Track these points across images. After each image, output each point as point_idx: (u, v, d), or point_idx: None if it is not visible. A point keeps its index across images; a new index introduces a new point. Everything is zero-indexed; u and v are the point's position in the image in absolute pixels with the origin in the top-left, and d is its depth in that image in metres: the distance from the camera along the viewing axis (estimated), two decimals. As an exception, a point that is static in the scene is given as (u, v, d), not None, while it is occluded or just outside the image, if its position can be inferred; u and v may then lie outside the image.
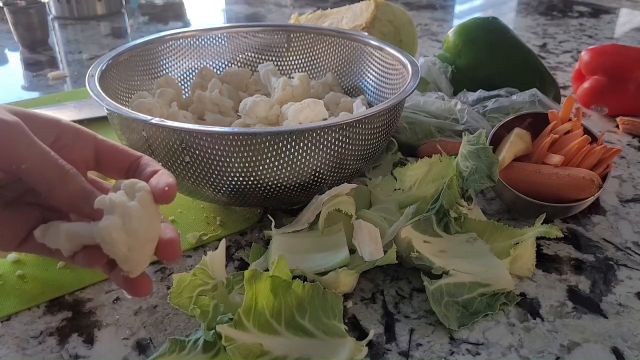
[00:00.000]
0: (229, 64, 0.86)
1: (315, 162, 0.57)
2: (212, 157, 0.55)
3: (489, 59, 0.92)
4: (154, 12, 1.70)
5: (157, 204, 0.37)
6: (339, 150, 0.58)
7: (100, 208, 0.35)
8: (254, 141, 0.54)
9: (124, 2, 1.69)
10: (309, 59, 0.86)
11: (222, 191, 0.59)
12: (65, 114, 0.88)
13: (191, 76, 0.83)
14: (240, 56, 0.86)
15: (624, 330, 0.51)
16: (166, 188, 0.36)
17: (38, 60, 1.25)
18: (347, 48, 0.83)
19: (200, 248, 0.62)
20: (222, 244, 0.50)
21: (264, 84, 0.81)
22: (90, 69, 0.65)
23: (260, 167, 0.55)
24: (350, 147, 0.58)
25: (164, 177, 0.37)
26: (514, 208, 0.68)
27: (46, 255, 0.38)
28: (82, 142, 0.38)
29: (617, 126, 0.92)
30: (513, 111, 0.80)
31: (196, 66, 0.83)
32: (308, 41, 0.85)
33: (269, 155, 0.55)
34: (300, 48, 0.86)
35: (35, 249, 0.38)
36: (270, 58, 0.86)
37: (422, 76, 0.92)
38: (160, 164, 0.41)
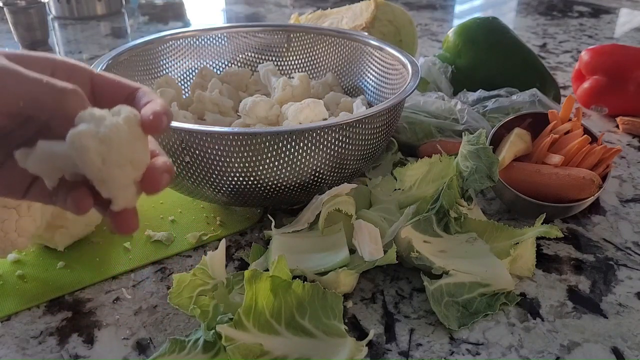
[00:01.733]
0: (229, 64, 0.86)
1: (315, 162, 0.57)
2: (212, 157, 0.55)
3: (489, 59, 0.92)
4: (154, 12, 1.70)
5: (145, 133, 0.34)
6: (339, 150, 0.58)
7: (80, 121, 0.32)
8: (254, 141, 0.54)
9: (124, 2, 1.69)
10: (309, 59, 0.86)
11: (222, 191, 0.59)
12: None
13: (191, 76, 0.83)
14: (240, 56, 0.86)
15: (624, 330, 0.51)
16: (151, 117, 0.34)
17: (38, 60, 1.25)
18: (347, 48, 0.83)
19: (200, 248, 0.62)
20: (222, 244, 0.50)
21: (264, 84, 0.81)
22: (90, 68, 0.65)
23: (260, 167, 0.55)
24: (350, 147, 0.58)
25: (152, 105, 0.35)
26: (514, 208, 0.68)
27: (49, 202, 0.37)
28: (78, 77, 0.37)
29: (617, 126, 0.92)
30: (513, 111, 0.80)
31: (196, 66, 0.83)
32: (308, 41, 0.85)
33: (269, 155, 0.55)
34: (300, 48, 0.86)
35: (40, 196, 0.37)
36: (270, 58, 0.86)
37: (422, 76, 0.92)
38: (158, 94, 0.38)
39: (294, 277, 0.48)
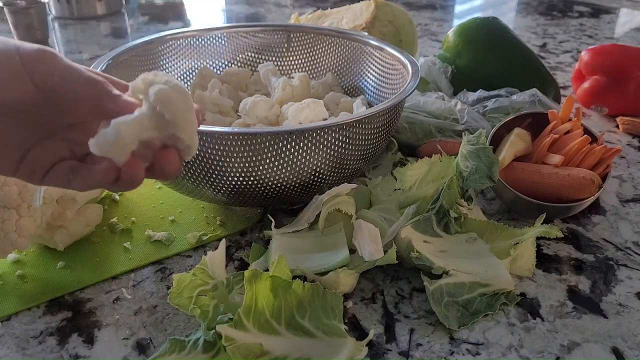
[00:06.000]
0: (229, 64, 0.86)
1: (315, 162, 0.57)
2: (212, 157, 0.55)
3: (489, 59, 0.92)
4: (154, 12, 1.70)
5: None
6: (339, 150, 0.58)
7: (137, 92, 0.37)
8: (254, 141, 0.54)
9: (124, 2, 1.69)
10: (309, 59, 0.86)
11: (222, 191, 0.59)
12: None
13: (191, 76, 0.83)
14: (240, 56, 0.86)
15: (624, 330, 0.51)
16: None
17: (38, 60, 1.25)
18: (347, 48, 0.83)
19: (200, 248, 0.62)
20: (222, 244, 0.50)
21: (264, 84, 0.81)
22: (91, 68, 0.65)
23: (260, 167, 0.55)
24: (350, 147, 0.58)
25: None
26: (514, 208, 0.68)
27: (65, 185, 0.40)
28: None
29: (617, 126, 0.92)
30: (513, 111, 0.80)
31: (196, 66, 0.83)
32: (308, 41, 0.85)
33: (269, 155, 0.55)
34: (300, 48, 0.86)
35: (58, 180, 0.39)
36: (270, 58, 0.86)
37: (422, 76, 0.92)
38: None
39: (294, 277, 0.48)
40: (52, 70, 0.37)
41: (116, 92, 0.38)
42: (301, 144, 0.55)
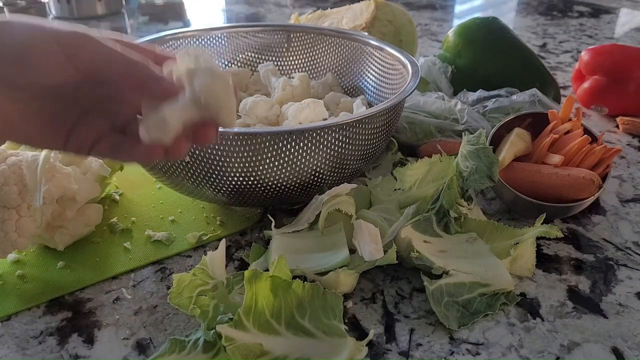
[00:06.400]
0: (229, 64, 0.86)
1: (315, 162, 0.57)
2: (212, 157, 0.55)
3: (489, 59, 0.92)
4: (154, 12, 1.70)
5: None
6: (339, 150, 0.58)
7: (181, 78, 0.39)
8: (254, 141, 0.54)
9: (124, 2, 1.69)
10: (309, 59, 0.86)
11: (222, 191, 0.59)
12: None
13: (191, 76, 0.83)
14: (240, 56, 0.86)
15: (624, 330, 0.51)
16: None
17: (38, 60, 1.25)
18: (347, 48, 0.83)
19: (200, 248, 0.62)
20: (222, 244, 0.50)
21: (264, 84, 0.81)
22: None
23: (260, 167, 0.55)
24: (350, 147, 0.58)
25: None
26: (514, 208, 0.68)
27: (111, 156, 0.42)
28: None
29: (617, 126, 0.92)
30: (513, 111, 0.80)
31: (196, 66, 0.83)
32: (308, 41, 0.85)
33: (269, 155, 0.55)
34: (300, 48, 0.86)
35: (104, 155, 0.42)
36: (270, 58, 0.86)
37: (422, 76, 0.92)
38: None
39: (294, 277, 0.48)
40: (92, 54, 0.37)
41: (157, 74, 0.39)
42: (301, 144, 0.55)
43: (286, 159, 0.55)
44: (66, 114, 0.41)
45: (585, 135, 0.67)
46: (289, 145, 0.54)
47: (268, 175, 0.56)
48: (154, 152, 0.40)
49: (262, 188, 0.58)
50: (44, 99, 0.39)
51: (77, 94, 0.41)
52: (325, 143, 0.56)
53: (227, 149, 0.54)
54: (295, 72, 0.86)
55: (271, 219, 0.59)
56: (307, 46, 0.85)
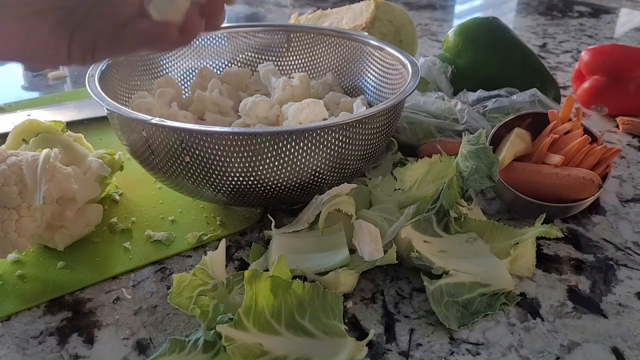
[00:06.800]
0: (229, 64, 0.86)
1: (315, 162, 0.57)
2: (212, 157, 0.55)
3: (489, 59, 0.92)
4: (154, 12, 1.70)
5: None
6: (339, 150, 0.58)
7: None
8: (254, 141, 0.54)
9: (124, 2, 1.69)
10: (309, 59, 0.86)
11: (222, 191, 0.59)
12: (65, 114, 0.88)
13: (191, 76, 0.83)
14: (240, 56, 0.86)
15: (624, 330, 0.51)
16: None
17: (38, 60, 1.25)
18: (347, 48, 0.83)
19: (200, 248, 0.62)
20: (222, 244, 0.50)
21: (264, 84, 0.81)
22: (90, 69, 0.65)
23: (260, 167, 0.55)
24: (350, 147, 0.58)
25: None
26: (514, 208, 0.68)
27: (121, 51, 0.42)
28: None
29: (617, 126, 0.92)
30: (513, 111, 0.80)
31: (196, 66, 0.83)
32: (308, 41, 0.85)
33: (269, 155, 0.55)
34: (300, 48, 0.86)
35: (108, 49, 0.41)
36: (270, 58, 0.86)
37: (422, 76, 0.92)
38: None
39: (294, 277, 0.48)
40: None
41: None
42: (301, 144, 0.55)
43: (286, 159, 0.55)
44: (65, 23, 0.40)
45: (585, 135, 0.67)
46: (289, 145, 0.54)
47: (268, 175, 0.56)
48: (169, 32, 0.39)
49: (262, 188, 0.58)
50: (43, 11, 0.38)
51: (70, 8, 0.40)
52: (325, 143, 0.56)
53: (227, 149, 0.54)
54: (295, 72, 0.86)
55: (271, 219, 0.59)
56: (307, 46, 0.85)
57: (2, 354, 0.48)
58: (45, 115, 0.80)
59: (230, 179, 0.57)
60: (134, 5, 0.41)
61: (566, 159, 0.65)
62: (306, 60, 0.86)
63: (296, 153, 0.55)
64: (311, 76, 0.86)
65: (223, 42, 0.85)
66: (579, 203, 0.63)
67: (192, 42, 0.82)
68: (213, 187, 0.58)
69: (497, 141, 0.70)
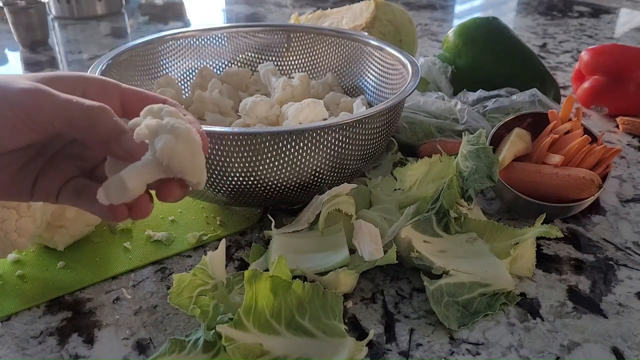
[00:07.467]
0: (229, 64, 0.86)
1: (315, 162, 0.57)
2: (212, 157, 0.55)
3: (489, 59, 0.92)
4: (154, 12, 1.70)
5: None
6: (339, 150, 0.58)
7: (142, 139, 0.36)
8: (254, 141, 0.54)
9: (124, 2, 1.69)
10: (309, 59, 0.86)
11: (222, 191, 0.59)
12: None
13: (191, 76, 0.83)
14: (240, 56, 0.86)
15: (624, 330, 0.51)
16: (201, 132, 0.39)
17: (38, 60, 1.25)
18: (347, 48, 0.83)
19: (200, 248, 0.62)
20: (222, 244, 0.50)
21: (264, 84, 0.81)
22: (90, 69, 0.65)
23: (260, 167, 0.55)
24: (350, 147, 0.58)
25: (195, 125, 0.40)
26: (514, 208, 0.68)
27: (77, 207, 0.40)
28: (108, 93, 0.40)
29: (617, 126, 0.92)
30: (513, 111, 0.80)
31: (196, 66, 0.83)
32: (308, 41, 0.85)
33: (269, 155, 0.55)
34: (300, 48, 0.86)
35: (69, 202, 0.40)
36: (270, 58, 0.86)
37: (422, 76, 0.92)
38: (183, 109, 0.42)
39: (294, 277, 0.48)
40: (49, 115, 0.35)
41: (120, 130, 0.36)
42: (301, 144, 0.55)
43: (286, 159, 0.55)
44: (29, 167, 0.39)
45: (585, 135, 0.67)
46: (289, 145, 0.54)
47: (268, 175, 0.56)
48: (118, 212, 0.37)
49: (262, 188, 0.58)
50: (6, 159, 0.37)
51: (40, 148, 0.39)
52: (325, 143, 0.56)
53: (227, 149, 0.54)
54: (295, 72, 0.86)
55: (271, 219, 0.59)
56: (307, 46, 0.85)
57: (2, 354, 0.48)
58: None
59: (230, 179, 0.57)
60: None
61: (566, 159, 0.65)
62: (306, 60, 0.86)
63: (296, 153, 0.55)
64: (311, 76, 0.86)
65: (223, 42, 0.85)
66: (579, 203, 0.63)
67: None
68: (213, 187, 0.58)
69: (497, 141, 0.70)
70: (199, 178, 0.38)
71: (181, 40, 0.81)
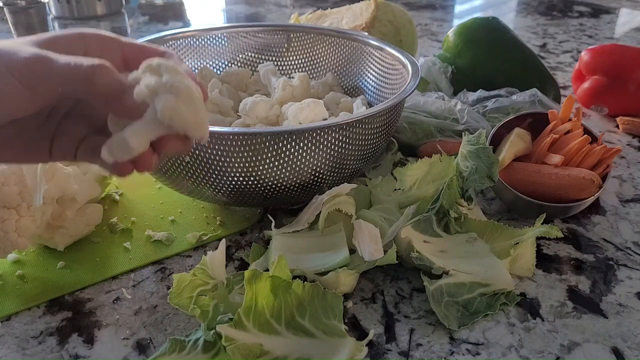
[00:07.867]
0: (229, 64, 0.86)
1: (315, 162, 0.57)
2: (212, 157, 0.55)
3: (489, 59, 0.92)
4: (154, 12, 1.70)
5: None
6: (339, 150, 0.58)
7: (142, 98, 0.35)
8: (254, 141, 0.54)
9: (124, 2, 1.69)
10: (309, 59, 0.86)
11: (222, 191, 0.59)
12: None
13: (191, 76, 0.83)
14: (240, 56, 0.86)
15: (624, 330, 0.51)
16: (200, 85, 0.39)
17: (38, 60, 1.25)
18: (347, 48, 0.83)
19: (200, 248, 0.62)
20: (222, 244, 0.50)
21: (264, 84, 0.81)
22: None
23: (260, 167, 0.55)
24: (350, 147, 0.58)
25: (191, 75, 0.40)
26: (514, 208, 0.68)
27: (96, 162, 0.41)
28: (109, 49, 0.41)
29: (617, 126, 0.92)
30: (513, 111, 0.80)
31: (196, 66, 0.83)
32: (308, 41, 0.85)
33: (269, 155, 0.55)
34: (300, 48, 0.86)
35: (87, 159, 0.41)
36: (270, 58, 0.86)
37: (422, 76, 0.92)
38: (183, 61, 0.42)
39: (294, 277, 0.48)
40: (52, 81, 0.35)
41: (122, 88, 0.36)
42: (301, 144, 0.55)
43: (286, 159, 0.55)
44: (44, 129, 0.40)
45: (585, 135, 0.67)
46: (289, 145, 0.54)
47: (268, 175, 0.56)
48: (122, 168, 0.38)
49: (262, 188, 0.58)
50: (18, 125, 0.38)
51: (50, 111, 0.40)
52: (325, 143, 0.56)
53: (227, 149, 0.54)
54: (295, 72, 0.86)
55: (271, 219, 0.59)
56: (307, 46, 0.85)
57: (2, 354, 0.48)
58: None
59: (230, 179, 0.57)
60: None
61: (566, 159, 0.65)
62: (306, 60, 0.86)
63: (296, 153, 0.55)
64: (311, 76, 0.86)
65: (223, 42, 0.85)
66: (579, 203, 0.63)
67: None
68: (213, 187, 0.58)
69: (497, 141, 0.70)
70: (202, 133, 0.37)
71: (181, 40, 0.81)
